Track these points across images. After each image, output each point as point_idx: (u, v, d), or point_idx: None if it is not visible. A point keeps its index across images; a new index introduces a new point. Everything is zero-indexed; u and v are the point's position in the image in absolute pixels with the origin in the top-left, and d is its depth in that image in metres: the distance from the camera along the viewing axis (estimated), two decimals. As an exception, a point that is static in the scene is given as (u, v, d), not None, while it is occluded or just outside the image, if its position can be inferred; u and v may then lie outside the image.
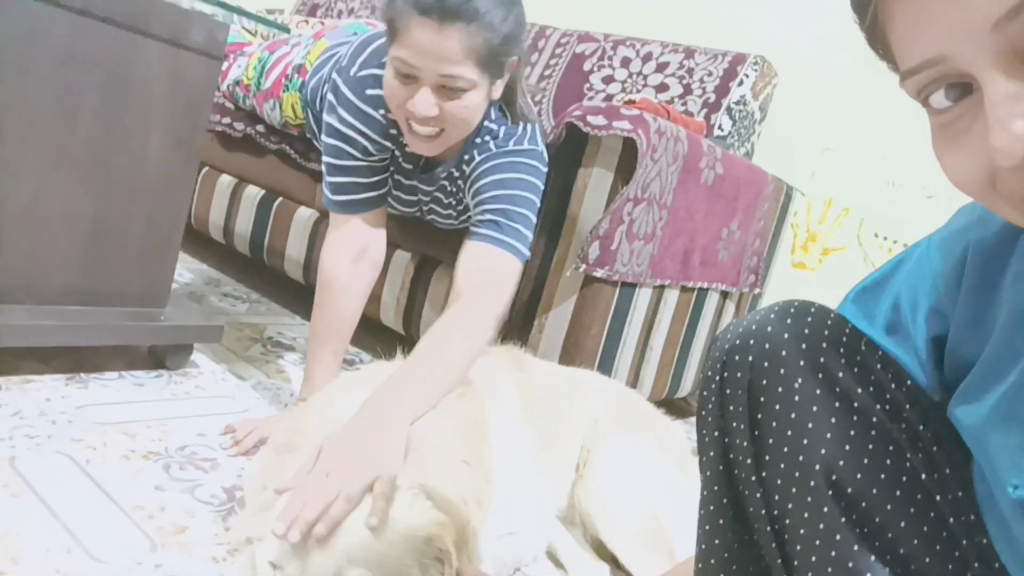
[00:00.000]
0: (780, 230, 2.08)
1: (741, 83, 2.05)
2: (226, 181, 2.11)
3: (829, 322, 0.63)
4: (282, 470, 0.91)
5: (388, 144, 1.31)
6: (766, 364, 0.61)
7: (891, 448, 0.59)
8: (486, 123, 1.30)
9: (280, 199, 1.97)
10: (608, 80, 2.24)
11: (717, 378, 0.64)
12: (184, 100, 1.33)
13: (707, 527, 0.67)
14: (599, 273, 1.43)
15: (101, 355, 1.38)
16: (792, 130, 2.17)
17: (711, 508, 0.66)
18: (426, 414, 0.99)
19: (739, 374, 0.62)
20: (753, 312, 0.65)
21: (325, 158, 1.32)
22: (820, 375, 0.60)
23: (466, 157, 1.32)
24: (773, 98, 2.15)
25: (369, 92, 1.25)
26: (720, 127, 2.04)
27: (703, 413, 0.66)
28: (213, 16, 1.32)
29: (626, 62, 2.24)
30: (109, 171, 1.27)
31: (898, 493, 0.58)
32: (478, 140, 1.31)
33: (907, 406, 0.61)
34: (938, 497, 0.59)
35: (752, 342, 0.62)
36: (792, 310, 0.63)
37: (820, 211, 2.12)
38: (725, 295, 1.93)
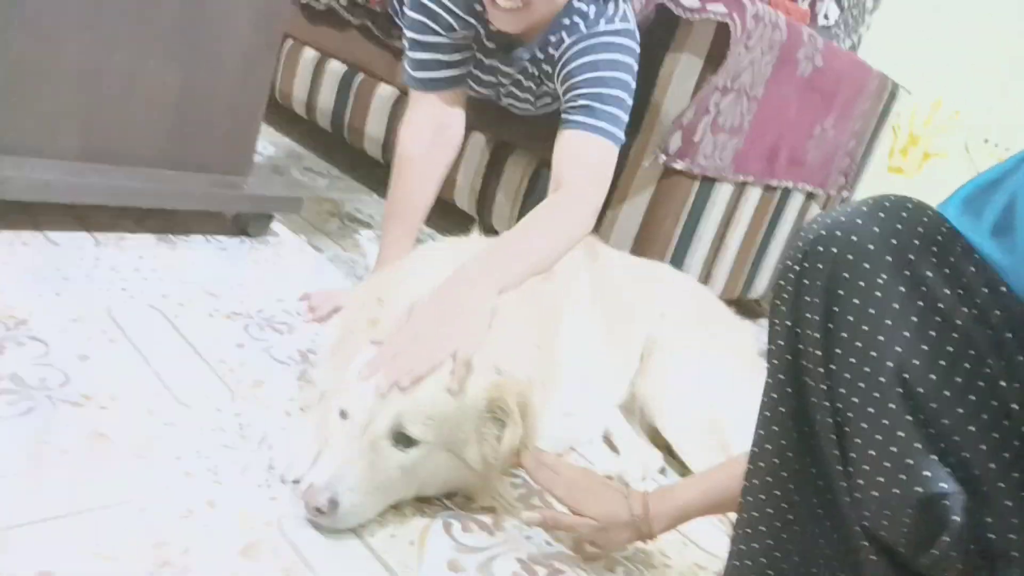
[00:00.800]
0: (879, 131, 1.95)
1: (854, -33, 1.88)
2: (309, 55, 2.11)
3: (925, 219, 0.60)
4: (366, 329, 0.94)
5: (472, 20, 1.28)
6: (850, 257, 0.60)
7: (972, 352, 0.57)
8: (575, 2, 1.24)
9: (361, 76, 1.96)
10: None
11: (797, 268, 0.63)
12: (267, -25, 1.32)
13: (767, 414, 0.67)
14: (679, 165, 1.39)
15: (189, 218, 1.44)
16: (906, 23, 1.99)
17: (773, 396, 0.66)
18: (510, 292, 1.01)
19: (820, 265, 0.61)
20: (845, 204, 0.63)
21: (408, 32, 1.30)
22: (907, 273, 0.58)
23: (552, 39, 1.28)
24: (888, -15, 1.97)
25: None
26: (826, 16, 1.89)
27: (777, 301, 0.65)
28: None
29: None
30: (196, 47, 1.29)
31: (972, 398, 0.56)
32: (567, 21, 1.25)
33: (996, 312, 0.58)
34: (1015, 405, 0.57)
35: (839, 233, 0.60)
36: (887, 204, 0.61)
37: (927, 113, 1.98)
38: (811, 196, 1.85)
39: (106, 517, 0.72)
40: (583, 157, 1.21)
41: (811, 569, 0.65)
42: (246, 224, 1.48)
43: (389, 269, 1.17)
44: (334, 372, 0.92)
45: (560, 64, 1.26)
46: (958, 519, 0.55)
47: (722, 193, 1.54)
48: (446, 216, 1.90)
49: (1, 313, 0.98)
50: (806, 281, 0.62)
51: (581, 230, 1.17)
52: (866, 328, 0.58)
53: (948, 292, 0.57)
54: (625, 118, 1.24)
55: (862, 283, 0.59)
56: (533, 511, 0.89)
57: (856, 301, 0.59)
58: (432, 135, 1.31)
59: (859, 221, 0.60)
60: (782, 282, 0.64)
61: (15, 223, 1.21)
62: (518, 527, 0.92)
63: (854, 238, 0.59)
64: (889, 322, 0.57)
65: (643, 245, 1.46)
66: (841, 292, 0.60)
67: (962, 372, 0.56)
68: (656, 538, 0.87)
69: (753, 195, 1.63)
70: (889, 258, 0.58)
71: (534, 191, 1.59)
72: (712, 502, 0.85)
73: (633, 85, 1.25)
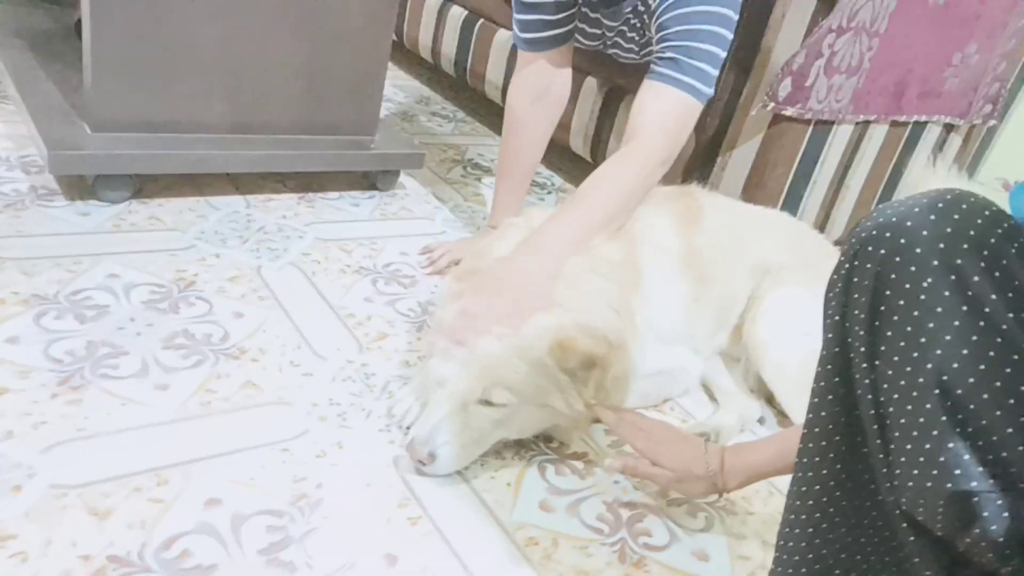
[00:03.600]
0: (1037, 50, 1.77)
1: None
2: (433, 2, 2.18)
3: (979, 221, 0.60)
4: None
5: None
6: (897, 259, 0.61)
7: (1015, 358, 0.58)
8: None
9: (481, 21, 2.01)
10: None
11: (847, 265, 0.65)
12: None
13: (816, 400, 0.71)
14: (789, 111, 1.36)
15: (325, 177, 1.60)
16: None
17: (822, 384, 0.70)
18: (580, 256, 1.07)
19: (869, 264, 0.63)
20: (902, 200, 0.64)
21: (514, -7, 1.34)
22: (952, 277, 0.59)
23: (652, -12, 1.27)
24: None
25: None
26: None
27: (829, 295, 0.68)
28: None
29: None
30: (319, 21, 1.41)
31: (1011, 401, 0.58)
32: None
33: None
34: None
35: (889, 234, 0.62)
36: (940, 205, 0.61)
37: (1098, 25, 1.76)
38: (950, 127, 1.74)
39: (257, 456, 0.89)
40: (660, 109, 1.21)
41: (859, 539, 0.71)
42: (375, 180, 1.61)
43: (495, 231, 1.26)
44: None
45: (656, 15, 1.26)
46: (987, 515, 0.58)
47: (840, 134, 1.49)
48: (565, 156, 1.96)
49: (176, 276, 1.17)
50: (855, 279, 0.64)
51: (645, 183, 1.18)
52: (909, 329, 0.60)
53: (995, 297, 0.58)
54: (714, 73, 1.22)
55: (908, 285, 0.60)
56: (616, 459, 0.98)
57: (901, 302, 0.61)
58: (537, 95, 1.37)
59: (909, 223, 0.61)
60: (834, 276, 0.67)
61: (183, 191, 1.41)
62: (608, 472, 1.02)
63: (903, 240, 0.61)
64: (932, 325, 0.59)
65: (754, 192, 1.46)
66: (888, 292, 0.62)
67: (1003, 377, 0.58)
68: (730, 492, 0.94)
69: (878, 133, 1.56)
70: (936, 262, 0.59)
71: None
72: (786, 463, 0.89)
73: (729, 37, 1.22)
